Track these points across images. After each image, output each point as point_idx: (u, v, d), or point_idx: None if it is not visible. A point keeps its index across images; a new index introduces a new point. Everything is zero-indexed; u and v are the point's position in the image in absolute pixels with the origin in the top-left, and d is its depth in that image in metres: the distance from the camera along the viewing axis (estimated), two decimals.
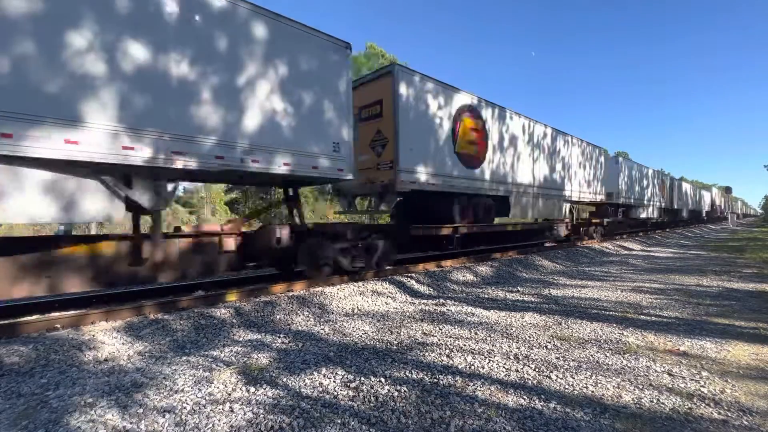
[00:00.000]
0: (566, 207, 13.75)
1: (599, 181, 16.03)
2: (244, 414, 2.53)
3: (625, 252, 13.61)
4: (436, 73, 8.66)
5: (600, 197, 16.00)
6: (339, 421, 2.46)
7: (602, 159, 16.39)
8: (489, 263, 8.92)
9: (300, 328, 4.54)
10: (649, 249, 14.83)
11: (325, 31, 6.49)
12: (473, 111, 9.38)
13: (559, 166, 13.05)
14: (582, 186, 14.60)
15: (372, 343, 3.99)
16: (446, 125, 8.56)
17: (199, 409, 2.59)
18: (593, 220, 16.32)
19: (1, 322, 3.96)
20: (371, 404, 2.69)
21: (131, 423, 2.41)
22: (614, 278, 7.99)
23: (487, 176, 9.71)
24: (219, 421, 2.45)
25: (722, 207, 53.60)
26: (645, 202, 21.26)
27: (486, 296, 6.30)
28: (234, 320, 4.54)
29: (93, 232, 16.16)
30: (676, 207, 28.03)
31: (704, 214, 39.82)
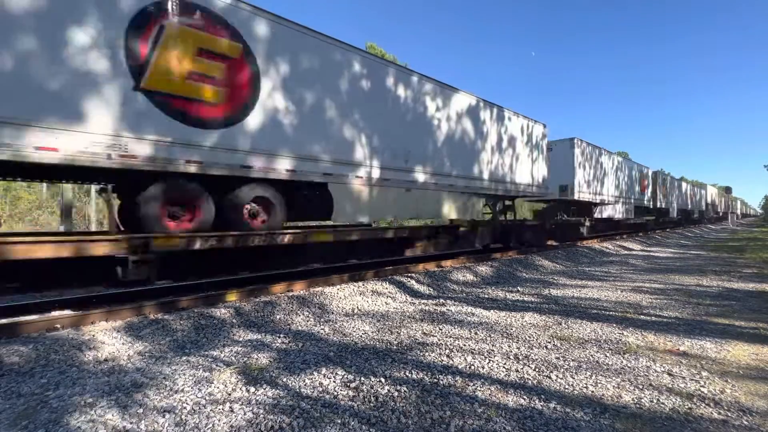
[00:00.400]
0: (480, 204, 10.40)
1: (543, 171, 12.21)
2: (244, 414, 2.53)
3: (625, 252, 13.62)
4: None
5: (538, 189, 12.11)
6: (339, 421, 2.46)
7: (545, 140, 12.34)
8: (489, 263, 8.91)
9: (300, 328, 4.54)
10: (649, 249, 14.84)
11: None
12: (210, 18, 5.05)
13: (464, 142, 9.18)
14: (511, 175, 10.75)
15: (372, 343, 3.99)
16: (111, 35, 4.36)
17: (199, 409, 2.59)
18: (528, 222, 12.72)
19: (1, 322, 3.96)
20: (371, 404, 2.69)
21: (131, 423, 2.41)
22: (614, 278, 7.98)
23: (261, 144, 5.60)
24: (219, 421, 2.45)
25: (720, 207, 52.46)
26: (612, 198, 17.36)
27: (486, 296, 6.30)
28: (234, 320, 4.54)
29: None
30: (660, 206, 24.44)
31: (697, 214, 36.23)
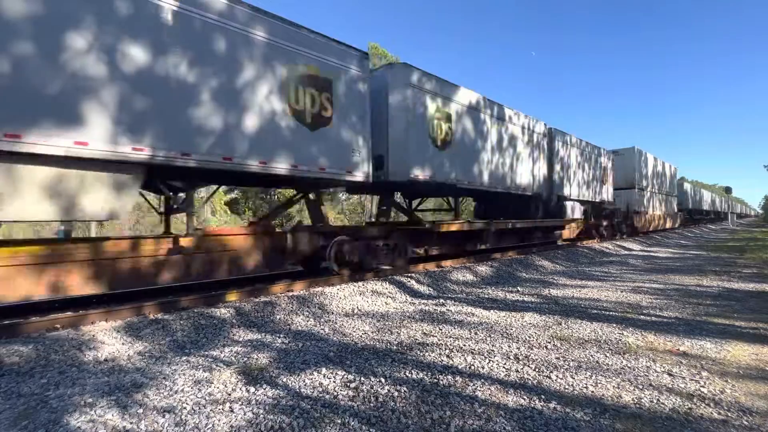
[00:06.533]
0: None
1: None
2: (244, 414, 2.53)
3: (625, 252, 13.61)
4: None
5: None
6: (339, 421, 2.46)
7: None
8: (489, 263, 8.92)
9: (300, 328, 4.54)
10: (648, 249, 14.84)
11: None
12: None
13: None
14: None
15: (372, 343, 3.98)
16: None
17: (199, 409, 2.59)
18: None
19: (1, 322, 3.96)
20: (371, 404, 2.69)
21: (131, 423, 2.41)
22: (614, 278, 7.98)
23: None
24: (219, 421, 2.45)
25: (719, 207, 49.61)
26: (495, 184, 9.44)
27: (486, 296, 6.30)
28: (234, 320, 4.54)
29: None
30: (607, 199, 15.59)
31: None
